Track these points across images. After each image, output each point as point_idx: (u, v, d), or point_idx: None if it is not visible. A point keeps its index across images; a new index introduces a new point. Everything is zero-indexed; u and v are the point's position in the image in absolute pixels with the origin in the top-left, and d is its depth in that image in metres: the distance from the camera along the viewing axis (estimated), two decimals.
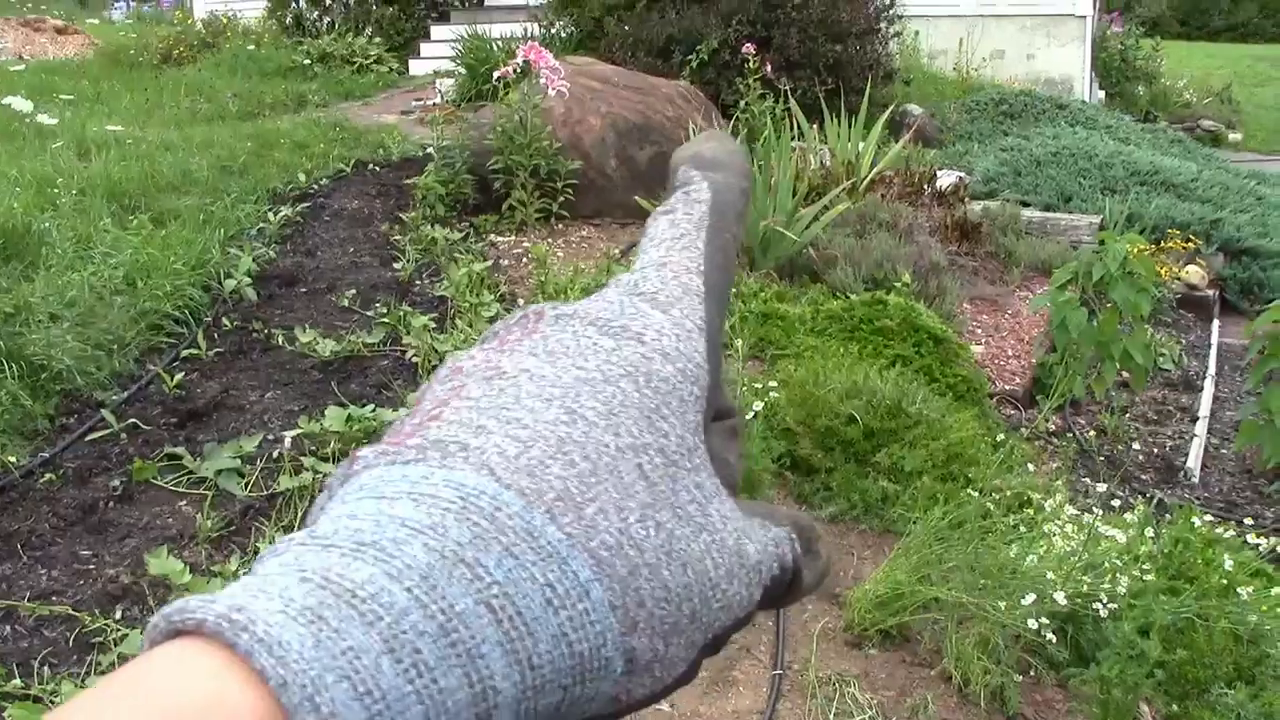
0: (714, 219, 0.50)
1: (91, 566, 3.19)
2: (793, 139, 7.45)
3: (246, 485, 3.63)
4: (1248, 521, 4.34)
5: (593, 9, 11.00)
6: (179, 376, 4.34)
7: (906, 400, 4.44)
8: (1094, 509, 3.95)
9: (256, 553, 3.25)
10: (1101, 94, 16.61)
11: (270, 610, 0.31)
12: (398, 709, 0.31)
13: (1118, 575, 3.40)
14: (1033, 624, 3.20)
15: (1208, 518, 3.96)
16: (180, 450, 3.78)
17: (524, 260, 6.10)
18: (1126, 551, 3.59)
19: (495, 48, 10.56)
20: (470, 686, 0.33)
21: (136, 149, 7.09)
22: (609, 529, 0.37)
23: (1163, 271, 7.30)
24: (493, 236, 6.55)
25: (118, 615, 2.96)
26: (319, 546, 0.34)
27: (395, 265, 5.74)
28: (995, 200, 8.70)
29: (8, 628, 2.93)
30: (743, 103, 8.65)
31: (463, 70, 10.59)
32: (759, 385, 4.52)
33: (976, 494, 3.86)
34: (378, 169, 7.54)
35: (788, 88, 9.29)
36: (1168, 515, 4.28)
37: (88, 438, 3.88)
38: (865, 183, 7.61)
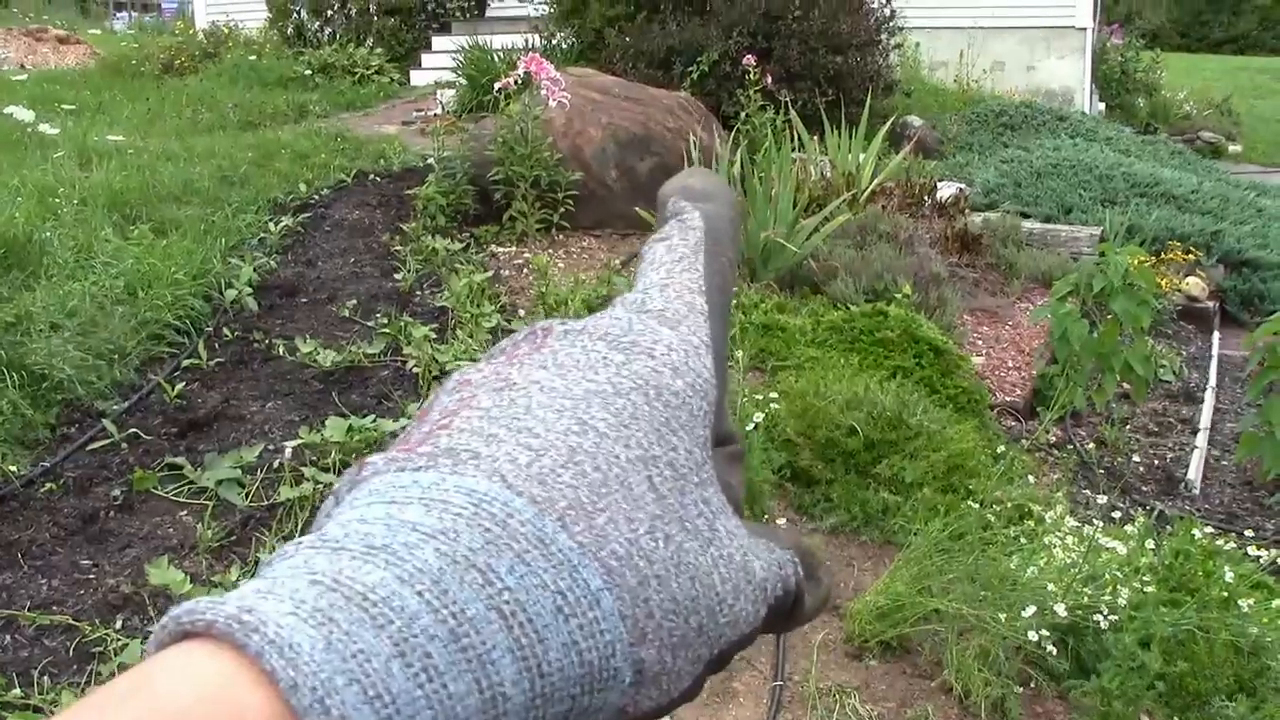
0: (710, 243, 0.50)
1: (92, 576, 3.19)
2: (793, 150, 7.46)
3: (247, 495, 3.63)
4: (1248, 533, 4.34)
5: (594, 20, 11.02)
6: (180, 386, 4.35)
7: (907, 412, 4.44)
8: (1094, 521, 3.95)
9: (257, 563, 3.25)
10: (1102, 106, 16.64)
11: (281, 612, 0.31)
12: (408, 713, 0.31)
13: (1118, 587, 3.40)
14: (1033, 635, 3.20)
15: (1208, 529, 3.95)
16: (181, 460, 3.78)
17: (525, 271, 6.10)
18: (1127, 563, 3.59)
19: (496, 59, 10.57)
20: (480, 692, 0.33)
21: (138, 159, 7.09)
22: (619, 539, 0.37)
23: (1163, 283, 7.30)
24: (493, 247, 6.55)
25: (118, 625, 2.96)
26: (329, 549, 0.34)
27: (396, 276, 5.74)
28: (996, 212, 8.70)
29: (8, 637, 2.93)
30: (743, 114, 8.66)
31: (464, 81, 10.60)
32: (760, 396, 4.52)
33: (977, 505, 3.86)
34: (379, 179, 7.54)
35: (788, 99, 9.30)
36: (1168, 527, 4.28)
37: (88, 447, 3.88)
38: (866, 194, 7.62)
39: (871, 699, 3.16)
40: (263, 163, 7.54)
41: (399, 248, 6.16)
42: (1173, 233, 8.81)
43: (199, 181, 6.75)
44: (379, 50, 12.91)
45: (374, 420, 4.01)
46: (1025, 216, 8.87)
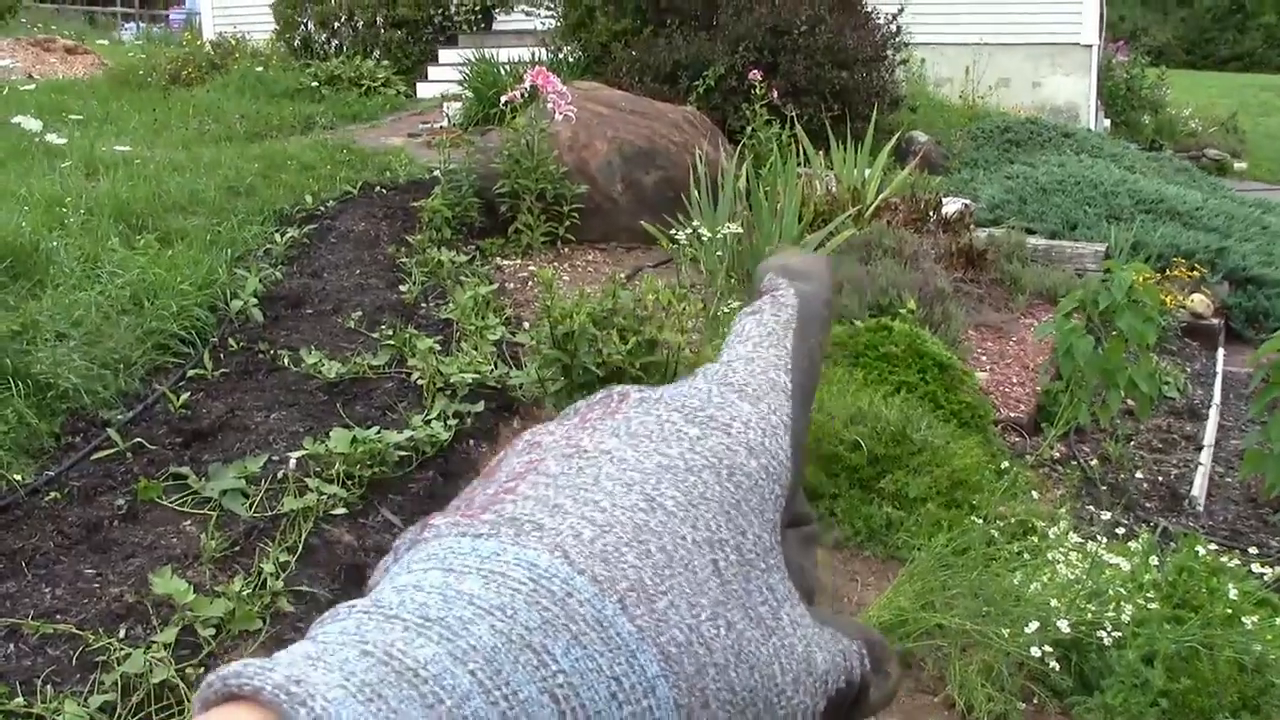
0: (801, 323, 0.49)
1: (95, 585, 3.19)
2: (799, 165, 7.48)
3: (251, 506, 3.64)
4: (1252, 550, 4.33)
5: (600, 34, 11.04)
6: (185, 396, 4.35)
7: (911, 427, 4.44)
8: (1098, 537, 3.94)
9: (260, 573, 3.25)
10: (1107, 122, 16.65)
11: (329, 684, 0.31)
12: None
13: (1122, 603, 3.39)
14: (1036, 651, 3.19)
15: (1212, 546, 3.95)
16: (185, 470, 3.78)
17: (530, 284, 6.11)
18: (1131, 580, 3.58)
19: (503, 72, 10.59)
20: None
21: (144, 169, 7.11)
22: (680, 624, 0.36)
23: (1168, 300, 7.30)
24: (499, 260, 6.57)
25: (121, 634, 2.96)
26: (382, 617, 0.33)
27: (401, 287, 5.75)
28: (1001, 227, 8.71)
29: (11, 646, 2.93)
30: (749, 128, 8.69)
31: (470, 94, 10.62)
32: None
33: (980, 521, 3.86)
34: (384, 191, 7.55)
35: (794, 114, 9.33)
36: (1172, 544, 4.28)
37: (93, 457, 3.89)
38: (870, 209, 7.62)
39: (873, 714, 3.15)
40: (269, 174, 7.55)
41: (404, 260, 6.17)
42: (1178, 249, 8.81)
43: (205, 192, 6.76)
44: (386, 62, 12.94)
45: (378, 431, 4.01)
46: (1030, 232, 8.88)
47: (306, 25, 13.87)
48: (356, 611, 0.34)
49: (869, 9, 11.22)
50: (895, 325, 5.29)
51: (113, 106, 10.84)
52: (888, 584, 3.66)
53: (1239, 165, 18.24)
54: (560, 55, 11.56)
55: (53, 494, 3.61)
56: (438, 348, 4.80)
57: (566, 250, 6.91)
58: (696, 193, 6.74)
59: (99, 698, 2.70)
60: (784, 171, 6.73)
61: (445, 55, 13.46)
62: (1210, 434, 6.07)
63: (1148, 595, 3.47)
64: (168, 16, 24.60)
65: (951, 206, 8.47)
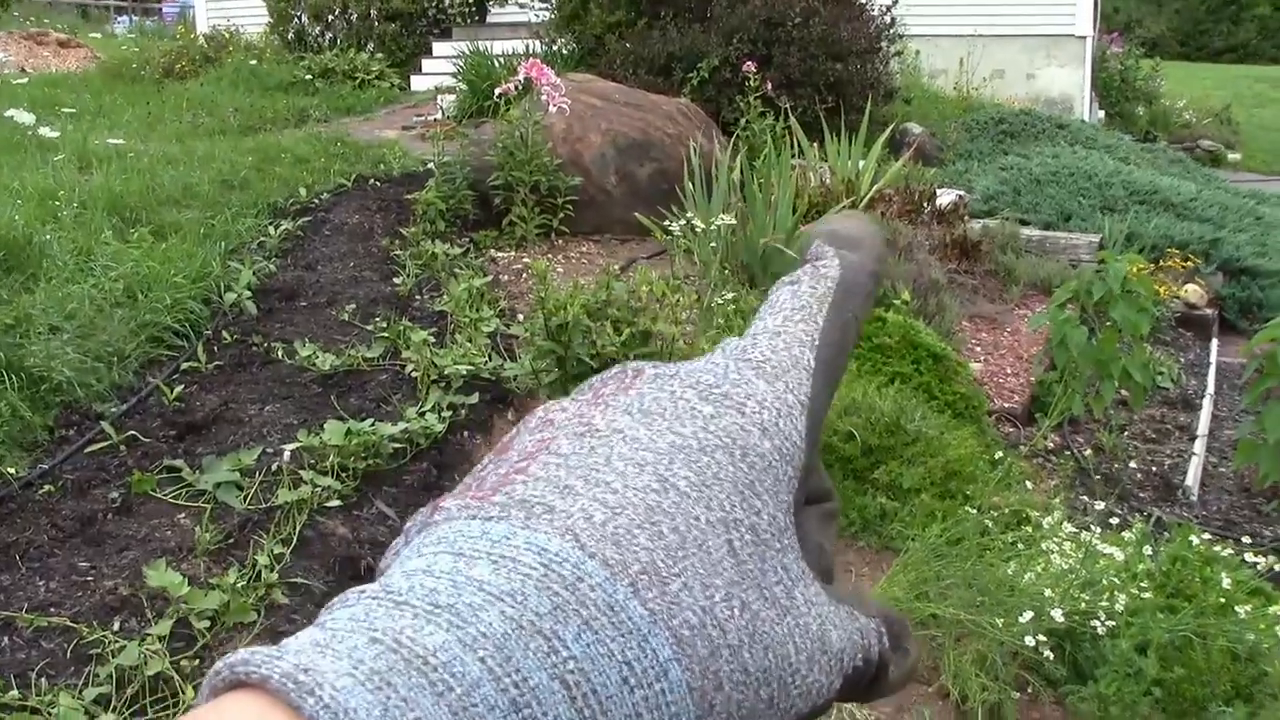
0: (839, 296, 0.48)
1: (90, 578, 3.19)
2: (793, 157, 7.47)
3: (245, 498, 3.63)
4: (1245, 540, 4.34)
5: (594, 26, 11.03)
6: (179, 389, 4.35)
7: (905, 417, 4.45)
8: (1092, 527, 3.95)
9: (255, 566, 3.25)
10: (1101, 114, 16.66)
11: (338, 672, 0.30)
12: None
13: (1115, 593, 3.40)
14: (1030, 641, 3.20)
15: (1206, 536, 3.96)
16: (179, 463, 3.78)
17: (524, 276, 6.11)
18: (1124, 569, 3.59)
19: (497, 64, 10.58)
20: None
21: (138, 162, 7.10)
22: (693, 607, 0.36)
23: (1162, 290, 7.31)
24: (493, 252, 6.56)
25: (116, 627, 2.96)
26: (391, 604, 0.33)
27: (395, 280, 5.75)
28: (995, 219, 8.71)
29: (5, 639, 2.92)
30: (743, 120, 8.69)
31: (464, 86, 10.61)
32: None
33: (974, 511, 3.86)
34: (379, 184, 7.55)
35: (788, 106, 9.32)
36: (1166, 533, 4.28)
37: (87, 450, 3.88)
38: (865, 201, 7.62)
39: (869, 703, 3.16)
40: (263, 167, 7.55)
41: (398, 252, 6.17)
42: (1172, 240, 8.82)
43: (199, 185, 6.76)
44: (380, 55, 12.92)
45: (372, 424, 4.01)
46: (1024, 224, 8.89)
47: (300, 18, 13.85)
48: (365, 597, 0.34)
49: (863, 1, 11.21)
50: (890, 316, 5.29)
51: (106, 100, 10.83)
52: (882, 574, 3.66)
53: (1233, 157, 18.26)
54: (554, 47, 11.54)
55: (46, 487, 3.61)
56: (432, 340, 4.80)
57: (560, 242, 6.90)
58: (691, 185, 6.74)
59: (94, 690, 2.70)
60: (778, 163, 6.73)
61: (439, 48, 13.45)
62: (1204, 424, 6.08)
63: (1141, 585, 3.47)
64: (161, 10, 24.54)
65: (946, 198, 8.47)
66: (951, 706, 3.17)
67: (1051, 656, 3.23)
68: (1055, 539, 3.76)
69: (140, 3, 26.65)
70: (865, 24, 10.94)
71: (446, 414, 4.27)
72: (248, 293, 5.28)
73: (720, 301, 5.20)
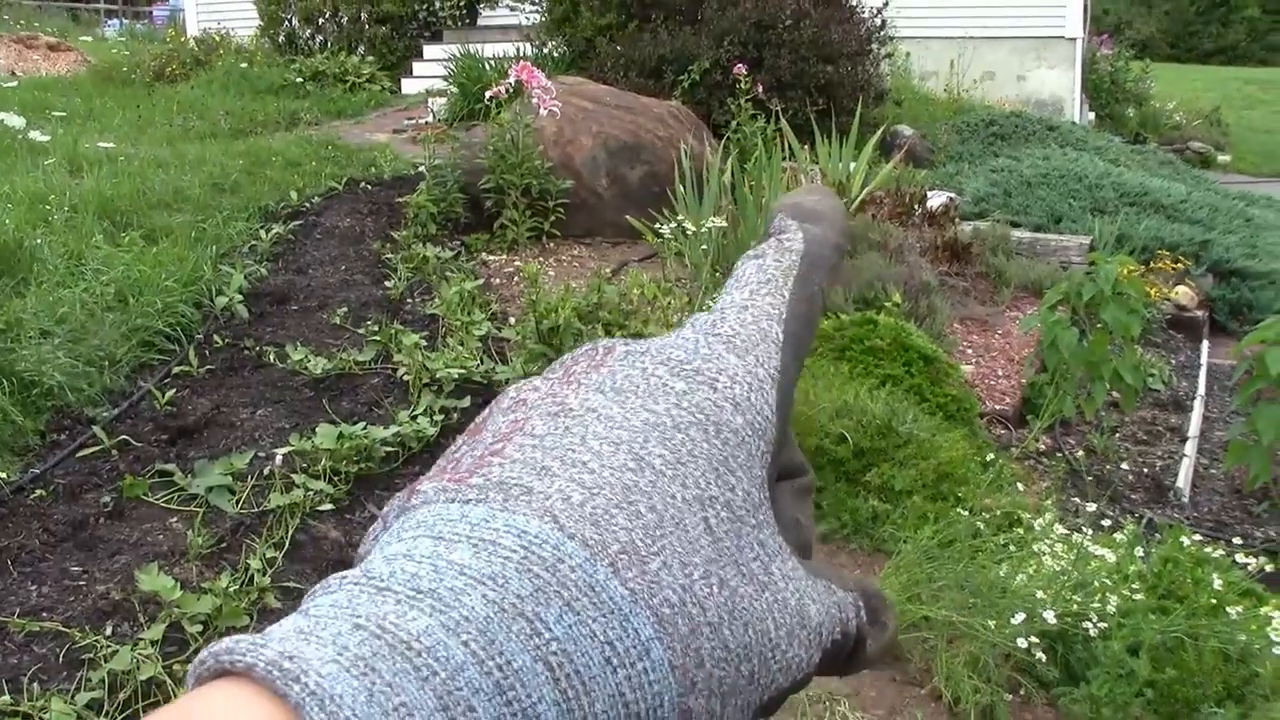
0: (804, 269, 0.48)
1: (82, 583, 3.18)
2: (784, 159, 7.48)
3: (237, 502, 3.63)
4: (1236, 541, 4.35)
5: (585, 29, 11.03)
6: (170, 393, 4.34)
7: (896, 420, 4.45)
8: (1083, 528, 3.96)
9: (247, 569, 3.25)
10: (1092, 116, 16.70)
11: (323, 659, 0.30)
12: None
13: (1107, 594, 3.41)
14: (1022, 643, 3.20)
15: (1197, 537, 3.96)
16: (171, 467, 3.77)
17: (515, 279, 6.11)
18: (1116, 571, 3.60)
19: (488, 67, 10.58)
20: None
21: (128, 166, 7.09)
22: (672, 585, 0.36)
23: (1152, 292, 7.32)
24: (484, 255, 6.56)
25: (108, 632, 2.96)
26: (374, 589, 0.33)
27: (387, 283, 5.75)
28: (986, 221, 8.72)
29: None
30: (734, 123, 8.69)
31: (455, 89, 10.61)
32: None
33: (966, 513, 3.87)
34: (370, 187, 7.54)
35: (779, 108, 9.33)
36: (1157, 535, 4.29)
37: (79, 454, 3.88)
38: (856, 203, 7.63)
39: (861, 706, 3.16)
40: (254, 170, 7.54)
41: (390, 255, 6.17)
42: (1162, 242, 8.84)
43: (190, 189, 6.75)
44: (370, 58, 12.92)
45: (364, 427, 4.01)
46: (1015, 225, 8.90)
47: (291, 21, 13.83)
48: (348, 583, 0.34)
49: (853, 3, 11.23)
50: (880, 319, 5.29)
51: (96, 103, 10.82)
52: (874, 577, 3.67)
53: (1223, 158, 18.32)
54: (545, 50, 11.54)
55: (38, 492, 3.60)
56: (424, 343, 4.80)
57: (552, 245, 6.91)
58: (681, 187, 6.74)
59: (86, 695, 2.70)
60: (769, 166, 6.74)
61: (430, 51, 13.44)
62: (1195, 426, 6.09)
63: (1133, 586, 3.48)
64: (151, 13, 24.49)
65: (936, 200, 8.48)
66: (944, 708, 3.17)
67: (1044, 658, 3.24)
68: (1047, 541, 3.76)
69: (130, 6, 26.62)
70: (856, 26, 10.95)
71: (438, 417, 4.27)
72: (239, 296, 5.28)
73: (712, 304, 5.20)
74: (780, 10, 10.20)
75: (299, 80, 12.13)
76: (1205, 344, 7.87)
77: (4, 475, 3.64)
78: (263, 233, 6.25)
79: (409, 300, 5.59)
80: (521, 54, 10.91)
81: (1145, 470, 5.52)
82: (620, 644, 0.34)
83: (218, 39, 13.84)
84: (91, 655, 2.86)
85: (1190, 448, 5.77)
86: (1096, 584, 3.47)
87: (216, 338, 4.95)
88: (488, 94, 7.06)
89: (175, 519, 3.54)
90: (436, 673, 0.31)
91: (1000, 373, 6.23)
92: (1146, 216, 9.40)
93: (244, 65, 12.66)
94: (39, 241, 5.21)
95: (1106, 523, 4.16)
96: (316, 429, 3.95)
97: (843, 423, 4.37)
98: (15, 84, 12.16)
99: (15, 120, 8.68)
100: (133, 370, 4.56)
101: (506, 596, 0.33)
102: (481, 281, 5.83)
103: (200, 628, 2.98)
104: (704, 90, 10.01)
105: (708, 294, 5.34)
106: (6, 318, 4.37)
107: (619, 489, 0.37)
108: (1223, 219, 9.85)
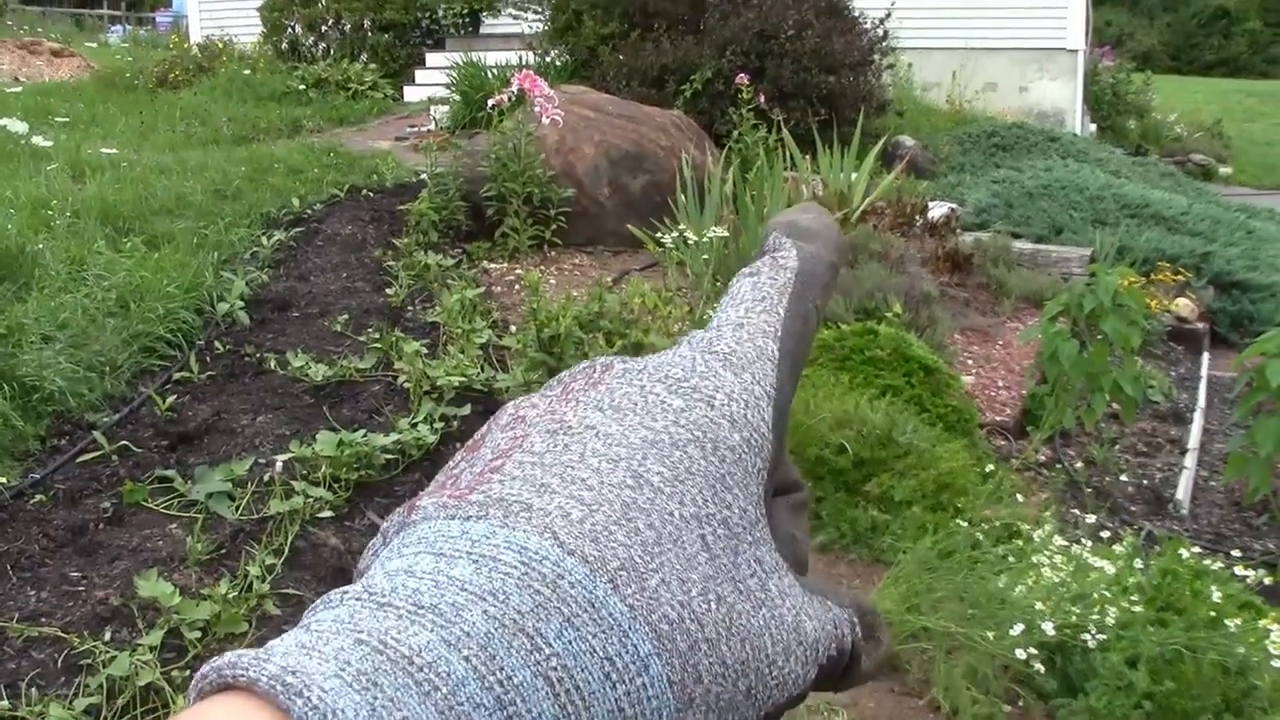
0: (799, 286, 0.48)
1: (81, 588, 3.18)
2: (785, 169, 7.49)
3: (237, 508, 3.63)
4: (1236, 553, 4.34)
5: (587, 38, 11.05)
6: (171, 399, 4.35)
7: (897, 430, 4.45)
8: (1083, 540, 3.95)
9: (247, 576, 3.25)
10: (1093, 127, 16.70)
11: (325, 674, 0.31)
12: None
13: (1106, 606, 3.40)
14: (1021, 654, 3.20)
15: (1196, 549, 3.96)
16: (171, 473, 3.77)
17: (516, 287, 6.11)
18: (1115, 582, 3.59)
19: (490, 75, 10.60)
20: None
21: (131, 172, 7.10)
22: (671, 601, 0.36)
23: (1153, 304, 7.32)
24: (485, 263, 6.57)
25: (107, 637, 2.96)
26: (375, 605, 0.34)
27: (388, 291, 5.75)
28: (987, 232, 8.73)
29: None
30: (736, 132, 8.71)
31: (457, 97, 10.63)
32: None
33: (966, 524, 3.86)
34: (372, 195, 7.55)
35: (781, 118, 9.34)
36: (1156, 547, 4.29)
37: (79, 459, 3.88)
38: (857, 213, 7.63)
39: (860, 717, 3.16)
40: (256, 177, 7.55)
41: (391, 263, 6.17)
42: (1163, 254, 8.83)
43: (192, 195, 6.76)
44: (373, 66, 12.95)
45: (365, 435, 4.01)
46: (1016, 237, 8.89)
47: (294, 28, 13.86)
48: (349, 599, 0.34)
49: (856, 14, 11.24)
50: (881, 329, 5.29)
51: (99, 109, 10.83)
52: (873, 587, 3.67)
53: (1224, 170, 18.31)
54: (547, 59, 11.56)
55: (38, 497, 3.61)
56: (424, 351, 4.80)
57: (553, 254, 6.91)
58: (683, 196, 6.75)
59: (84, 700, 2.70)
60: (770, 175, 6.74)
61: (432, 59, 13.47)
62: (1195, 438, 6.09)
63: (1132, 598, 3.48)
64: (154, 19, 24.56)
65: (938, 211, 8.48)
66: (943, 719, 3.17)
67: (1042, 669, 3.24)
68: (1046, 552, 3.76)
69: (134, 12, 26.67)
70: (858, 37, 10.97)
71: (439, 425, 4.27)
72: (240, 303, 5.28)
73: (711, 315, 5.20)
74: (783, 20, 10.22)
75: (301, 87, 12.16)
76: (1206, 356, 7.86)
77: (4, 480, 3.64)
78: (264, 239, 6.26)
79: (410, 308, 5.59)
80: (524, 62, 10.91)
81: (1145, 482, 5.52)
82: (619, 660, 0.34)
83: (221, 46, 13.86)
84: (90, 661, 2.85)
85: (1190, 460, 5.76)
86: (1095, 596, 3.46)
87: (217, 344, 4.95)
88: (490, 102, 7.07)
89: (175, 525, 3.54)
90: (438, 688, 0.31)
91: (1001, 384, 6.23)
92: (1148, 228, 9.40)
93: (247, 72, 12.68)
94: (41, 247, 5.22)
95: (1106, 534, 4.15)
96: (317, 436, 3.95)
97: (843, 433, 4.37)
98: (19, 89, 12.18)
99: (18, 125, 8.70)
100: (133, 376, 4.57)
101: (507, 612, 0.33)
102: (483, 289, 5.84)
103: (199, 634, 2.98)
104: (706, 100, 10.03)
105: (709, 303, 5.34)
106: (8, 323, 4.37)
107: (618, 506, 0.37)
108: (1224, 231, 9.85)
